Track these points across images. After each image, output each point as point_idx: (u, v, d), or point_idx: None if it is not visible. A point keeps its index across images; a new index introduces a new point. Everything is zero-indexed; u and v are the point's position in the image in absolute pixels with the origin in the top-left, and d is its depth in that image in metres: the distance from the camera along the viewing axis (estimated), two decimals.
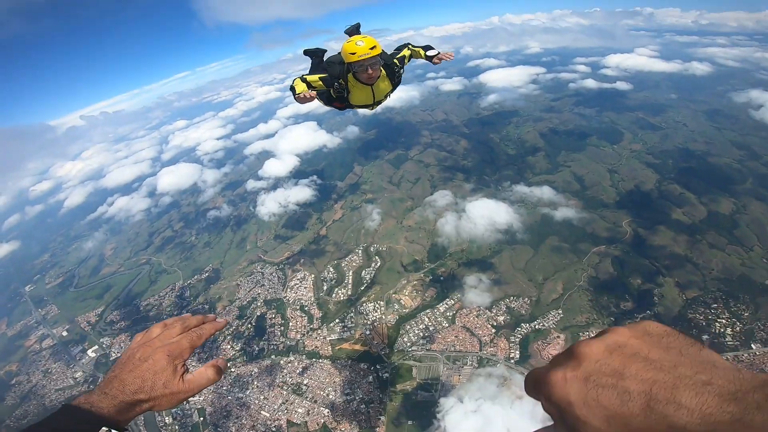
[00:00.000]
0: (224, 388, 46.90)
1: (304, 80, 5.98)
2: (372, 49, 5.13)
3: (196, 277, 68.95)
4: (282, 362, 47.44)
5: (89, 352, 58.34)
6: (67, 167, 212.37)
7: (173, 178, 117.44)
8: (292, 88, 6.01)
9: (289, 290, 58.56)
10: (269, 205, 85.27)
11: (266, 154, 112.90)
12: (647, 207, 57.97)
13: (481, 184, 73.05)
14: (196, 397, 45.32)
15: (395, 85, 6.23)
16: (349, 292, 55.26)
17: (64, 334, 65.16)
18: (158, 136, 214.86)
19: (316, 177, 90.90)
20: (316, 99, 6.00)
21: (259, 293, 59.87)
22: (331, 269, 60.29)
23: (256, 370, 47.48)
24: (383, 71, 5.80)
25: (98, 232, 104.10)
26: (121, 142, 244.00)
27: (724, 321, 39.45)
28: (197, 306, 61.89)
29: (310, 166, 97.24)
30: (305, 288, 58.09)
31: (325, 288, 57.40)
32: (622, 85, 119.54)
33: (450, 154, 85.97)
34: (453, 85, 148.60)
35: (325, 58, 6.73)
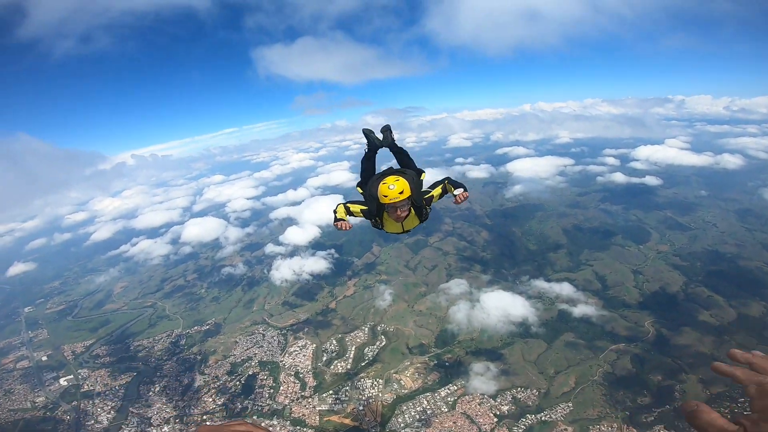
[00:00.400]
0: None
1: (347, 208, 6.69)
2: (401, 193, 5.89)
3: (196, 327, 68.35)
4: (263, 425, 44.32)
5: (62, 380, 57.16)
6: (105, 202, 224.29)
7: (198, 230, 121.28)
8: (335, 212, 6.69)
9: (287, 355, 57.33)
10: (283, 271, 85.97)
11: (290, 221, 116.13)
12: (672, 308, 56.33)
13: (499, 277, 71.95)
14: None
15: (423, 220, 6.86)
16: (349, 366, 53.77)
17: (44, 358, 64.25)
18: (195, 187, 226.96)
19: (333, 251, 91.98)
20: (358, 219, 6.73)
21: (255, 353, 58.65)
22: (335, 342, 58.91)
23: None
24: (412, 210, 6.51)
25: (113, 269, 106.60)
26: (161, 187, 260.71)
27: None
28: (189, 355, 60.58)
29: (329, 240, 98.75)
30: (304, 356, 56.78)
31: (324, 359, 55.95)
32: (651, 180, 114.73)
33: (470, 245, 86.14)
34: (480, 172, 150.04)
35: (377, 143, 7.93)
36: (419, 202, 6.44)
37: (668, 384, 43.95)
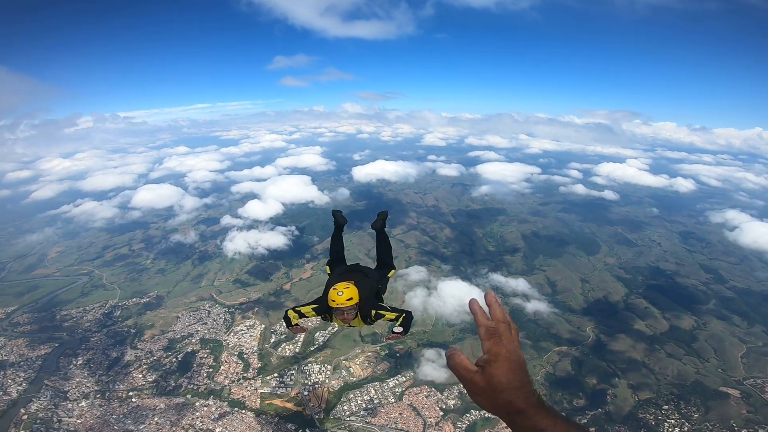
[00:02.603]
0: (114, 416, 40.87)
1: (298, 312, 6.86)
2: (348, 300, 6.01)
3: (134, 299, 63.22)
4: (197, 404, 42.35)
5: None
6: (54, 162, 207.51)
7: (151, 195, 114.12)
8: (287, 319, 6.87)
9: (232, 334, 54.04)
10: (237, 243, 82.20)
11: (252, 196, 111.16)
12: (612, 316, 59.70)
13: (457, 273, 71.95)
14: (66, 417, 40.03)
15: (368, 324, 6.75)
16: (297, 350, 51.35)
17: None
18: (156, 156, 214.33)
19: (294, 228, 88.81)
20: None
21: (197, 330, 54.87)
22: (284, 324, 55.64)
23: (162, 405, 42.04)
24: (359, 314, 6.51)
25: (49, 228, 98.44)
26: (119, 153, 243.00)
27: (673, 421, 40.96)
28: (123, 328, 55.65)
29: (292, 220, 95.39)
30: (251, 336, 53.71)
31: (272, 340, 53.19)
32: (609, 195, 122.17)
33: (432, 240, 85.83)
34: (450, 170, 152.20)
35: (341, 222, 8.32)
36: (365, 311, 6.46)
37: (602, 388, 45.80)
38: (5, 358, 48.99)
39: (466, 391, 2.16)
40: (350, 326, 6.84)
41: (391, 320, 6.63)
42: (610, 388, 45.60)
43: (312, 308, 6.77)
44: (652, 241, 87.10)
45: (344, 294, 6.03)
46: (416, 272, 70.47)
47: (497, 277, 70.33)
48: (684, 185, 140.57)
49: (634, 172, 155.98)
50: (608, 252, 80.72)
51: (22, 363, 47.90)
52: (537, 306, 61.37)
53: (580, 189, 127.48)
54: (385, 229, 8.33)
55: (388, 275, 7.92)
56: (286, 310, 6.87)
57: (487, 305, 2.31)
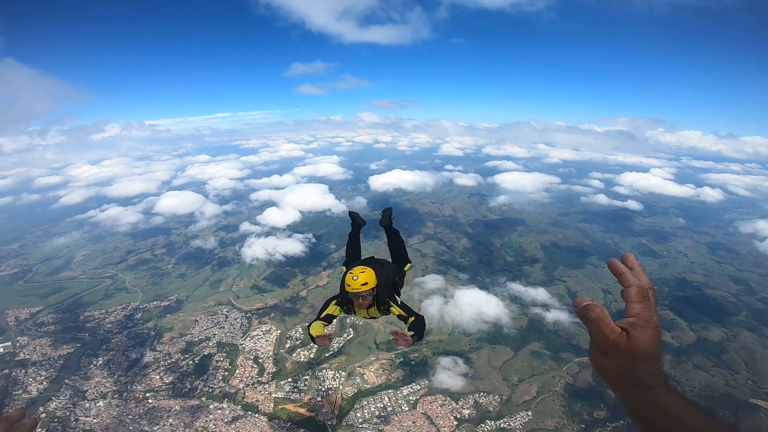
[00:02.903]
0: (129, 417, 41.43)
1: (324, 318, 6.53)
2: (364, 285, 6.00)
3: (155, 302, 64.57)
4: (211, 407, 42.63)
5: None
6: (82, 169, 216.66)
7: (174, 202, 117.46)
8: (309, 332, 6.47)
9: (248, 339, 54.48)
10: (256, 249, 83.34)
11: (270, 204, 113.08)
12: None
13: (474, 282, 71.02)
14: (83, 417, 40.76)
15: (384, 314, 6.67)
16: (312, 356, 51.37)
17: None
18: (179, 164, 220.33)
19: (311, 236, 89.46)
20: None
21: (215, 334, 55.62)
22: (300, 330, 56.07)
23: (177, 407, 42.45)
24: (375, 301, 6.48)
25: (76, 232, 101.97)
26: (144, 160, 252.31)
27: None
28: (143, 330, 56.92)
29: (309, 228, 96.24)
30: (267, 341, 54.04)
31: (287, 346, 53.34)
32: (632, 204, 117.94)
33: (449, 249, 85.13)
34: (467, 180, 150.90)
35: (360, 223, 8.57)
36: (381, 298, 6.43)
37: None
38: (28, 357, 50.43)
39: (590, 347, 1.97)
40: (370, 317, 6.88)
41: (398, 316, 6.53)
42: None
43: (334, 304, 6.64)
44: (678, 252, 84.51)
45: (359, 278, 6.04)
46: (433, 281, 69.92)
47: (516, 287, 69.03)
48: (711, 195, 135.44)
49: (658, 181, 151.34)
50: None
51: (44, 362, 49.19)
52: (557, 316, 60.02)
53: (601, 199, 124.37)
54: (393, 226, 8.43)
55: (405, 269, 7.88)
56: (308, 326, 6.58)
57: (630, 268, 2.00)
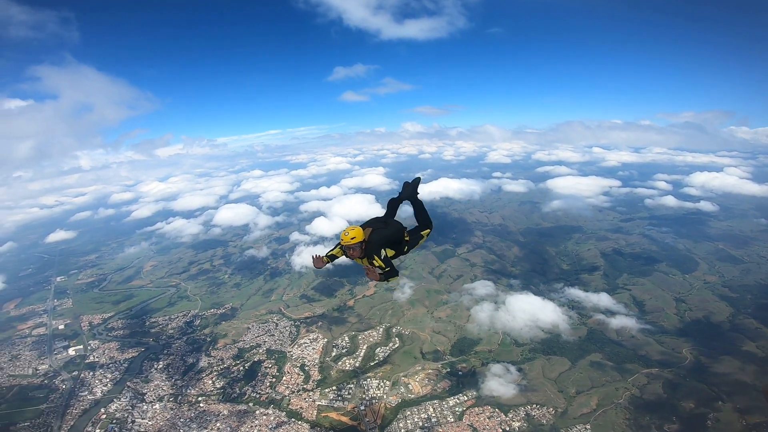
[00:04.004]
0: (181, 420, 43.33)
1: (329, 256, 7.78)
2: (352, 239, 6.91)
3: (212, 310, 68.27)
4: (258, 412, 43.50)
5: (71, 349, 57.56)
6: (151, 185, 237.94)
7: (230, 214, 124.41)
8: (316, 254, 7.73)
9: (296, 346, 55.54)
10: (305, 257, 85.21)
11: (319, 214, 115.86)
12: (715, 337, 53.22)
13: (528, 289, 67.84)
14: (140, 419, 43.07)
15: (370, 263, 7.23)
16: (357, 364, 51.25)
17: (61, 327, 65.60)
18: (235, 179, 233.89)
19: None
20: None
21: (265, 341, 57.30)
22: (347, 338, 56.51)
23: (225, 411, 43.86)
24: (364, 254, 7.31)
25: (145, 242, 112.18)
26: (204, 177, 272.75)
27: None
28: (200, 336, 60.03)
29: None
30: (313, 349, 54.72)
31: (333, 354, 53.68)
32: (706, 206, 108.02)
33: (499, 258, 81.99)
34: (517, 186, 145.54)
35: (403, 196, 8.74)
36: (368, 252, 7.16)
37: (701, 412, 40.88)
38: (97, 359, 54.81)
39: None
40: (365, 266, 7.47)
41: (378, 267, 7.25)
42: (711, 412, 40.68)
43: (338, 247, 7.60)
44: (762, 257, 76.34)
45: (349, 234, 6.97)
46: (483, 287, 68.03)
47: (575, 292, 65.34)
48: None
49: (734, 180, 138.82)
50: (708, 270, 72.05)
51: (110, 365, 53.16)
52: (624, 322, 56.35)
53: (670, 201, 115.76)
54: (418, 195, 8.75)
55: (422, 233, 8.37)
56: (315, 254, 7.81)
57: None
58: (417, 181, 8.74)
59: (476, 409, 42.67)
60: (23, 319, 69.04)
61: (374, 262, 7.27)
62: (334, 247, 7.85)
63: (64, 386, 48.64)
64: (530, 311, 57.60)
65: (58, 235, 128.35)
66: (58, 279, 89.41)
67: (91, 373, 51.16)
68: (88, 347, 58.13)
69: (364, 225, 7.65)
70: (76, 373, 51.51)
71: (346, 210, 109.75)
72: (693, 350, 50.35)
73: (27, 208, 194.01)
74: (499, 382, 45.31)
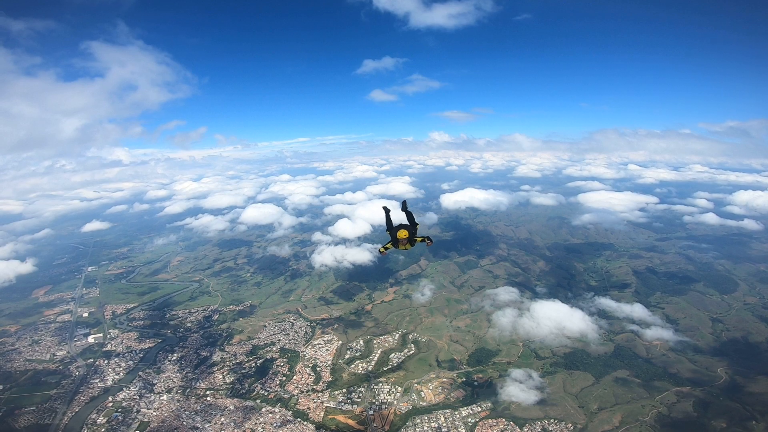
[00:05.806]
0: (186, 412, 43.21)
1: (386, 248, 11.80)
2: (404, 236, 10.88)
3: (231, 306, 69.17)
4: (264, 410, 43.01)
5: (90, 337, 59.08)
6: (185, 184, 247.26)
7: (256, 213, 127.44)
8: (385, 247, 11.83)
9: (309, 347, 55.13)
10: (325, 256, 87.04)
11: (342, 217, 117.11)
12: (752, 357, 50.44)
13: (555, 296, 66.03)
14: (145, 409, 43.06)
15: (413, 245, 11.42)
16: (370, 368, 50.20)
17: (85, 315, 67.78)
18: (263, 182, 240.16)
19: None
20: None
21: (279, 339, 57.27)
22: (361, 342, 55.67)
23: (232, 406, 43.63)
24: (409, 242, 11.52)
25: (174, 235, 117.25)
26: (235, 179, 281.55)
27: None
28: (217, 331, 60.59)
29: (379, 240, 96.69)
30: (327, 350, 54.16)
31: (347, 356, 52.90)
32: (750, 224, 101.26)
33: (523, 272, 79.19)
34: (546, 199, 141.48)
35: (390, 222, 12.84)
36: (412, 240, 11.25)
37: (733, 431, 38.58)
38: (114, 348, 56.05)
39: None
40: (405, 249, 11.62)
41: (419, 241, 11.44)
42: None
43: (391, 244, 11.55)
44: None
45: (402, 233, 10.85)
46: (506, 293, 66.64)
47: (606, 302, 62.89)
48: None
49: None
50: (749, 291, 68.25)
51: (126, 354, 54.22)
52: (660, 334, 54.33)
53: (711, 219, 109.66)
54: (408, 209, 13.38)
55: (417, 227, 12.37)
56: (382, 246, 11.91)
57: None
58: (405, 203, 14.04)
59: (490, 421, 40.76)
60: (51, 305, 71.96)
61: (415, 241, 11.37)
62: (387, 242, 11.90)
63: (77, 372, 49.79)
64: (556, 318, 55.25)
65: (93, 225, 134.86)
66: (89, 269, 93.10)
67: (106, 362, 52.27)
68: (108, 336, 59.65)
69: (402, 226, 11.62)
70: (91, 360, 52.76)
71: (370, 214, 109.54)
72: (728, 369, 47.59)
73: (68, 200, 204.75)
74: (519, 388, 43.47)
